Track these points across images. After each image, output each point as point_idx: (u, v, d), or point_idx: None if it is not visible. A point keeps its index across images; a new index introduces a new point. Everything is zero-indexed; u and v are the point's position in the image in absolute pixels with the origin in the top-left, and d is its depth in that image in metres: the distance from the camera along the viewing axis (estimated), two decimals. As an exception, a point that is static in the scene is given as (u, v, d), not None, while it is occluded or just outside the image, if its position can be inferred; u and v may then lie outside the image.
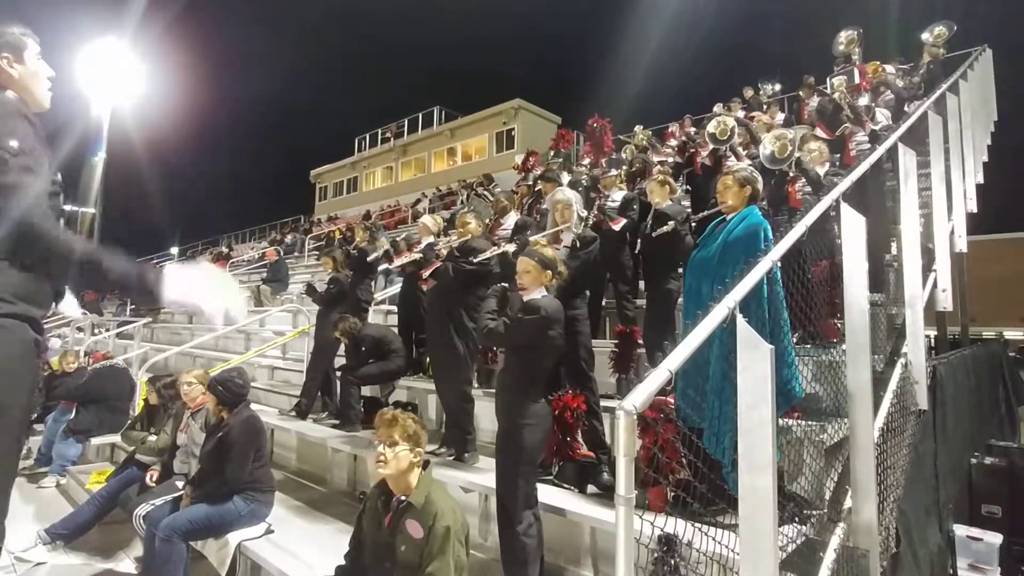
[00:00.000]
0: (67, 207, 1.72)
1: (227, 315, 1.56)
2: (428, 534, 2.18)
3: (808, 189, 4.55)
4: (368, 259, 5.79)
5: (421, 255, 4.48)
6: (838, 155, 6.28)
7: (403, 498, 2.31)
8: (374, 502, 2.45)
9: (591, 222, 4.35)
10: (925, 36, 8.33)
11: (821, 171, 4.58)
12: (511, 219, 6.08)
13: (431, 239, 4.93)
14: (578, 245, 3.73)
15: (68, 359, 6.71)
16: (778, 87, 10.01)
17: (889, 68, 8.58)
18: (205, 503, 3.31)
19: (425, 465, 2.40)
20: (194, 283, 1.54)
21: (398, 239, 7.21)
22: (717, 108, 9.60)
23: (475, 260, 3.88)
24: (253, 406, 3.71)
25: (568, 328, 3.21)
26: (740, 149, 5.99)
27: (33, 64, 1.64)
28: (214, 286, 1.56)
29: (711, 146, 5.67)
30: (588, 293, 4.02)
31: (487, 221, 6.22)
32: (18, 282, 1.45)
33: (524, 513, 2.57)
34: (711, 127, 5.56)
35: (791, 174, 4.52)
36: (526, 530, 2.55)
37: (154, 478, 4.01)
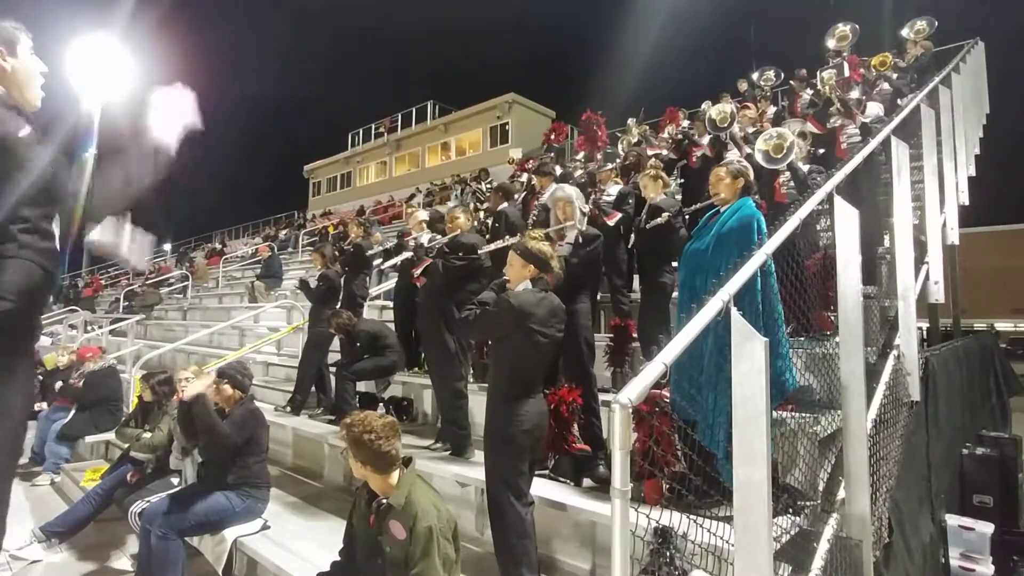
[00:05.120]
0: None
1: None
2: (410, 535, 2.15)
3: (792, 184, 4.58)
4: (367, 254, 5.76)
5: (412, 253, 4.45)
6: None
7: (383, 500, 2.28)
8: (360, 501, 2.43)
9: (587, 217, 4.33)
10: (905, 32, 8.32)
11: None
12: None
13: (422, 234, 4.92)
14: (581, 241, 3.66)
15: (61, 356, 6.66)
16: (772, 74, 9.93)
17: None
18: (211, 492, 3.34)
19: (408, 462, 2.37)
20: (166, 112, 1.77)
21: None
22: (706, 105, 9.59)
23: (463, 256, 3.87)
24: (247, 402, 3.71)
25: (569, 322, 3.17)
26: (741, 140, 6.00)
27: (26, 59, 1.64)
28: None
29: (708, 139, 5.69)
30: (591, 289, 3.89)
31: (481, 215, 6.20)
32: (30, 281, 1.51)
33: (514, 507, 2.53)
34: (712, 113, 5.61)
35: (782, 169, 4.54)
36: (517, 524, 2.52)
37: (135, 479, 4.01)
